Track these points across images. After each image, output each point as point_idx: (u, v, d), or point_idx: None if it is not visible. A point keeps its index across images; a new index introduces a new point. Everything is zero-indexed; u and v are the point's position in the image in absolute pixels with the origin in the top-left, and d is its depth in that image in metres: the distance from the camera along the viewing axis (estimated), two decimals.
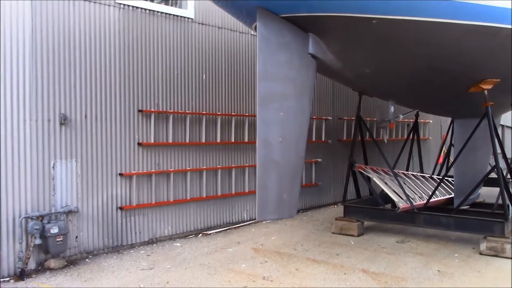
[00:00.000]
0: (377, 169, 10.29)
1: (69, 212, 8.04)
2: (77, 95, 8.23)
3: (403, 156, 12.42)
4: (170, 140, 9.59)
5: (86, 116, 8.33)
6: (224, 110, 10.73)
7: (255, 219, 11.47)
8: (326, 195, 13.58)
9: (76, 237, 8.20)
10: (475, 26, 6.92)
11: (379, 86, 8.54)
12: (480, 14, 6.96)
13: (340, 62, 7.12)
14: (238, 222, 11.11)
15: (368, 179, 10.48)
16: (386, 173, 10.39)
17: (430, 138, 18.34)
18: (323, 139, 13.23)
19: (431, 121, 18.07)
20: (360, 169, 10.02)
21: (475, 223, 8.89)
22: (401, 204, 9.45)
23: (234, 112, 10.96)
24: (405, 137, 13.17)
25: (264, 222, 11.41)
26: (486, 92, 8.75)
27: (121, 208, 8.82)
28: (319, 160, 13.18)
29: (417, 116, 12.61)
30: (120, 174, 8.81)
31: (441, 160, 13.44)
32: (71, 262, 8.01)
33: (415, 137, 12.63)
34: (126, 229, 8.96)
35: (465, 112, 10.30)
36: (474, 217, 9.05)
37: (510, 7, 7.12)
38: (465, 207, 10.91)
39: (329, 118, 13.37)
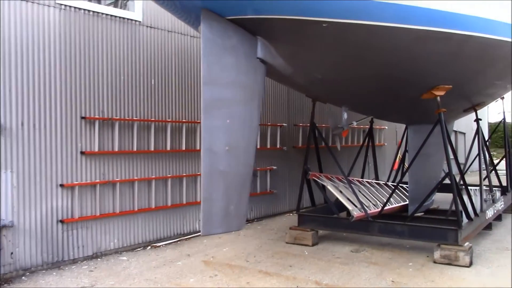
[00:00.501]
0: (332, 176, 10.09)
1: (3, 227, 7.46)
2: (13, 101, 7.69)
3: (358, 163, 12.32)
4: (116, 149, 9.12)
5: (22, 124, 7.79)
6: (174, 116, 10.32)
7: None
8: (281, 203, 13.32)
9: (11, 253, 7.62)
10: (427, 32, 6.79)
11: (332, 93, 8.32)
12: (432, 19, 6.84)
13: (290, 67, 6.85)
14: (190, 233, 10.71)
15: (323, 187, 10.27)
16: (340, 180, 10.20)
17: (386, 144, 18.40)
18: (278, 146, 12.98)
19: (386, 127, 18.13)
20: (314, 177, 9.79)
21: (429, 231, 8.78)
22: (355, 212, 9.26)
23: (185, 119, 10.56)
24: (360, 143, 13.03)
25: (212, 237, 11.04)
26: (438, 98, 8.68)
27: (62, 221, 8.28)
28: (274, 167, 12.92)
29: (371, 122, 12.57)
30: (61, 185, 8.27)
31: (396, 167, 13.42)
32: (5, 281, 7.43)
33: (370, 144, 12.56)
34: (68, 244, 8.41)
35: (418, 118, 10.25)
36: (427, 225, 8.95)
37: (462, 12, 7.04)
38: (419, 214, 10.87)
39: (284, 124, 13.14)
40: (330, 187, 9.71)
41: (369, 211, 9.54)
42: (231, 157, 5.87)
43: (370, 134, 12.54)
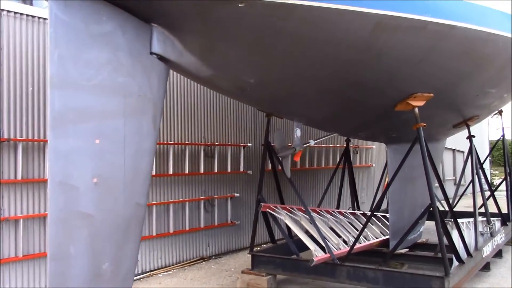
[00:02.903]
0: (292, 208, 8.24)
1: None
2: None
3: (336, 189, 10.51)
4: (20, 177, 7.34)
5: None
6: None
7: (149, 271, 9.23)
8: (246, 235, 11.42)
9: None
10: (391, 18, 5.05)
11: (274, 103, 6.51)
12: (398, 2, 5.11)
13: (207, 67, 5.07)
14: None
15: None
16: (304, 212, 8.36)
17: (374, 165, 16.57)
18: (241, 170, 11.16)
19: (374, 146, 16.34)
20: (268, 210, 7.96)
21: (408, 278, 6.92)
22: (318, 253, 7.42)
23: None
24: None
25: (160, 275, 9.20)
26: (416, 110, 6.91)
27: None
28: (236, 194, 11.08)
29: (348, 141, 10.77)
30: None
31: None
32: None
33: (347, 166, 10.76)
34: None
35: (396, 136, 8.44)
36: (406, 271, 7.10)
37: None
38: (402, 251, 9.02)
39: (249, 144, 11.34)
40: (288, 221, 7.88)
41: (335, 251, 7.69)
42: (102, 193, 4.06)
43: (346, 154, 10.74)
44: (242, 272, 8.22)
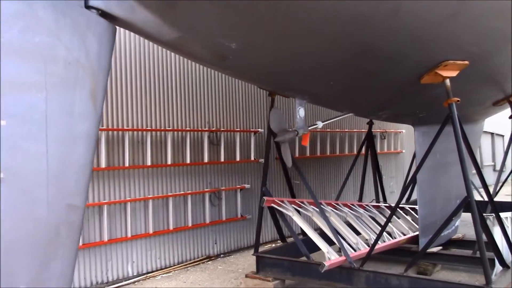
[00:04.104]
0: (302, 202, 7.08)
1: None
2: None
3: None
4: None
5: None
6: None
7: (146, 273, 8.25)
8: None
9: None
10: None
11: (268, 76, 5.28)
12: None
13: (170, 27, 3.93)
14: (119, 280, 7.87)
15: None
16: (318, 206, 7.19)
17: (404, 151, 15.19)
18: (252, 158, 10.04)
19: (403, 130, 14.96)
20: (272, 204, 6.82)
21: (439, 287, 5.69)
22: (332, 256, 6.25)
23: None
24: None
25: (158, 277, 8.20)
26: (448, 82, 5.62)
27: None
28: (247, 186, 9.97)
29: (370, 123, 9.50)
30: None
31: None
32: None
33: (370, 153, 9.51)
34: None
35: (424, 116, 7.15)
36: (436, 280, 5.87)
37: None
38: (434, 250, 7.77)
39: (260, 130, 10.18)
40: (296, 218, 6.73)
41: (353, 253, 6.51)
42: (12, 192, 3.00)
43: (369, 138, 9.47)
44: (246, 276, 7.13)
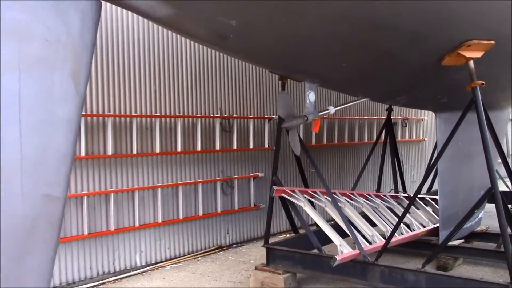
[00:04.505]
0: (315, 192, 6.73)
1: None
2: None
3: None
4: None
5: None
6: None
7: (154, 263, 8.03)
8: (273, 220, 9.99)
9: None
10: None
11: (274, 58, 4.88)
12: None
13: (164, 3, 3.59)
14: (126, 270, 7.67)
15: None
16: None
17: (426, 139, 14.67)
18: (266, 146, 9.71)
19: (426, 118, 14.44)
20: (283, 194, 6.49)
21: (460, 284, 5.30)
22: (344, 249, 5.91)
23: None
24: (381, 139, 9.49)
25: (167, 267, 7.97)
26: (472, 64, 5.19)
27: None
28: (261, 174, 9.66)
29: (390, 110, 9.07)
30: None
31: None
32: None
33: (389, 140, 9.09)
34: None
35: (446, 101, 6.71)
36: (457, 276, 5.48)
37: None
38: (456, 243, 7.37)
39: (275, 117, 9.82)
40: (307, 209, 6.39)
41: (367, 246, 6.16)
42: None
43: (388, 125, 9.05)
44: (256, 268, 6.84)
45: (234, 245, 9.28)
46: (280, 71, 5.80)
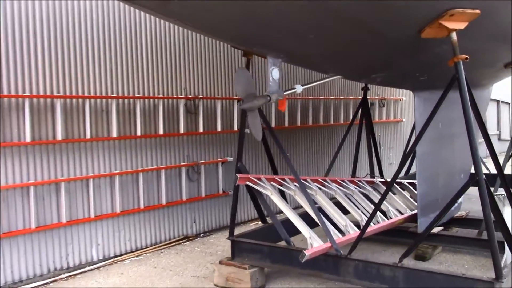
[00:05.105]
0: (283, 179, 6.16)
1: None
2: None
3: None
4: None
5: None
6: None
7: (113, 256, 7.42)
8: (244, 207, 9.46)
9: None
10: None
11: (227, 27, 4.21)
12: None
13: None
14: (82, 266, 7.05)
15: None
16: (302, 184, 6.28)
17: (404, 120, 14.23)
18: (235, 129, 9.10)
19: (404, 98, 13.97)
20: (247, 182, 5.91)
21: (441, 280, 4.82)
22: (315, 243, 5.37)
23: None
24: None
25: (127, 261, 7.38)
26: (454, 36, 4.63)
27: None
28: (229, 159, 9.06)
29: (366, 90, 8.53)
30: None
31: None
32: None
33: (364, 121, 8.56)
34: None
35: (426, 79, 6.17)
36: (437, 272, 4.99)
37: None
38: (435, 230, 6.93)
39: None
40: (275, 198, 5.83)
41: (340, 238, 5.64)
42: None
43: (363, 106, 8.52)
44: (220, 262, 6.28)
45: (201, 235, 8.72)
46: (237, 44, 5.13)
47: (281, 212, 6.08)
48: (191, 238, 8.48)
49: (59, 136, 6.63)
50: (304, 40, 4.43)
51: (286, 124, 10.14)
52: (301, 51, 4.74)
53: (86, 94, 7.01)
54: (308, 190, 6.28)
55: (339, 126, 11.57)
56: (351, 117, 11.28)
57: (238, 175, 5.77)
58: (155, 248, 7.91)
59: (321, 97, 11.05)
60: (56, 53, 6.69)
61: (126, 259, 7.44)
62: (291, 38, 4.37)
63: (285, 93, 4.78)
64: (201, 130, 8.50)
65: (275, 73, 4.56)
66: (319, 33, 4.35)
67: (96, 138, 7.13)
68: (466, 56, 4.63)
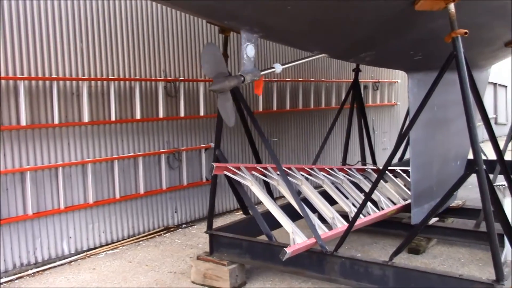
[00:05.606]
0: (265, 168, 5.67)
1: None
2: None
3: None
4: None
5: None
6: None
7: (86, 250, 6.94)
8: (228, 195, 8.97)
9: None
10: None
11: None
12: None
13: None
14: (51, 260, 6.57)
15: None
16: (289, 174, 5.80)
17: (399, 103, 13.72)
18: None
19: (399, 80, 13.45)
20: (225, 172, 5.41)
21: (435, 280, 4.36)
22: (298, 239, 4.90)
23: None
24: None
25: (101, 255, 6.91)
26: (452, 8, 4.11)
27: None
28: (213, 145, 8.53)
29: (357, 71, 8.00)
30: None
31: None
32: None
33: (356, 105, 8.05)
34: None
35: (420, 59, 5.65)
36: (431, 272, 4.52)
37: None
38: (429, 222, 6.45)
39: None
40: (255, 189, 5.34)
41: (326, 233, 5.16)
42: None
43: (355, 88, 8.00)
44: (198, 258, 5.81)
45: (183, 225, 8.25)
46: (206, 16, 4.56)
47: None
48: (172, 229, 8.01)
49: (23, 122, 6.09)
50: (281, 13, 3.88)
51: (275, 108, 9.63)
52: (279, 26, 4.19)
53: (54, 76, 6.45)
54: (293, 180, 5.81)
55: (331, 110, 11.06)
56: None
57: (215, 164, 5.27)
58: (132, 240, 7.44)
59: (311, 79, 10.52)
60: (18, 31, 6.13)
61: (100, 253, 6.98)
62: (264, 9, 3.82)
63: (262, 73, 4.26)
64: (182, 114, 7.98)
65: (249, 50, 4.03)
66: (298, 5, 3.80)
67: (66, 123, 6.61)
68: (466, 31, 4.11)
